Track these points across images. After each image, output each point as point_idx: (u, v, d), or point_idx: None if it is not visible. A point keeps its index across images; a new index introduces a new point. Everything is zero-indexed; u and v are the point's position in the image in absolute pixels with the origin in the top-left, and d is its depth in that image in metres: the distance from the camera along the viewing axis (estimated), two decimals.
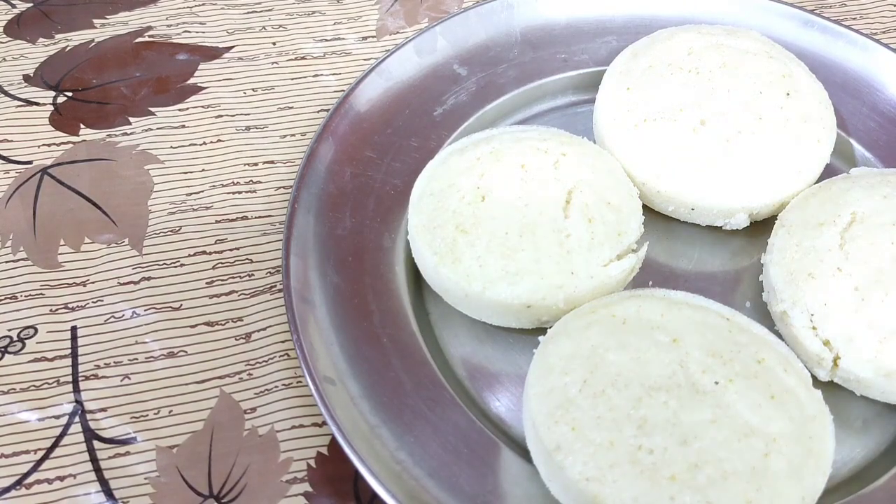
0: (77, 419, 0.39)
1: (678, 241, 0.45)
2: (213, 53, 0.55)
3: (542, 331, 0.38)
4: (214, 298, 0.43)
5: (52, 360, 0.41)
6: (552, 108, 0.51)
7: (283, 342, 0.42)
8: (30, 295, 0.43)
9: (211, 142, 0.50)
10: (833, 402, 0.36)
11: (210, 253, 0.45)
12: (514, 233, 0.40)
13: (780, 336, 0.38)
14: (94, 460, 0.38)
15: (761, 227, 0.44)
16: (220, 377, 0.41)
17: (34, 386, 0.40)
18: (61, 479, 0.38)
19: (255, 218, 0.47)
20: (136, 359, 0.41)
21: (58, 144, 0.50)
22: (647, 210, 0.44)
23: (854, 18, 0.58)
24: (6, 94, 0.52)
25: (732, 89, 0.44)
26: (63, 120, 0.51)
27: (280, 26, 0.57)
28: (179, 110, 0.52)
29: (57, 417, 0.39)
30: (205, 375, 0.41)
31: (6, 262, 0.45)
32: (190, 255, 0.45)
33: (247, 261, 0.45)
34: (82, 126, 0.51)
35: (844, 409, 0.39)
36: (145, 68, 0.54)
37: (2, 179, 0.48)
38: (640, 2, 0.54)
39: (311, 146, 0.45)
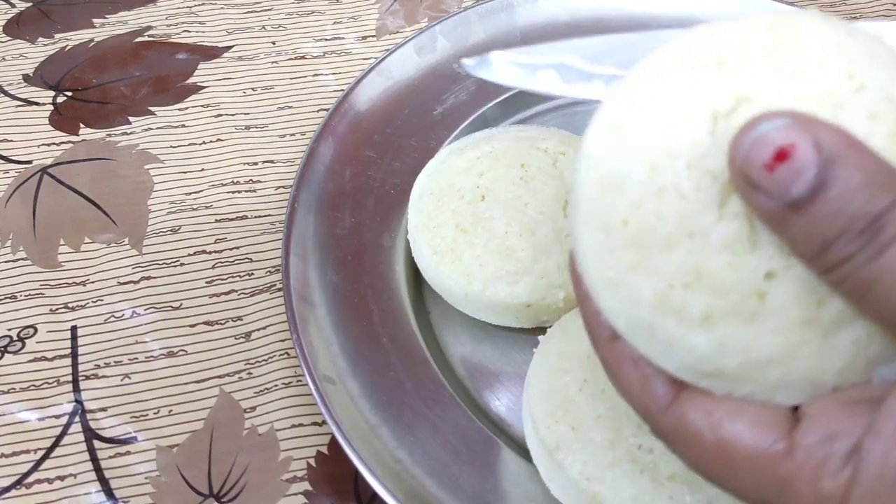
0: (77, 419, 0.39)
1: None
2: (212, 53, 0.55)
3: (542, 330, 0.38)
4: (214, 298, 0.43)
5: (51, 359, 0.41)
6: (552, 107, 0.51)
7: (282, 341, 0.42)
8: (29, 294, 0.43)
9: (210, 141, 0.50)
10: None
11: (210, 252, 0.45)
12: (513, 232, 0.40)
13: None
14: (94, 460, 0.38)
15: None
16: (219, 376, 0.41)
17: (34, 385, 0.40)
18: (62, 478, 0.38)
19: (255, 217, 0.47)
20: (136, 358, 0.41)
21: (58, 144, 0.50)
22: None
23: (854, 17, 0.58)
24: (6, 93, 0.52)
25: None
26: (63, 120, 0.51)
27: (279, 26, 0.57)
28: (179, 110, 0.52)
29: (57, 417, 0.39)
30: (204, 375, 0.41)
31: (6, 261, 0.45)
32: (190, 255, 0.45)
33: (246, 260, 0.45)
34: (82, 126, 0.51)
35: None
36: (145, 68, 0.54)
37: (2, 179, 0.48)
38: (640, 2, 0.54)
39: (310, 145, 0.45)
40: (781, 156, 0.20)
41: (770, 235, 0.21)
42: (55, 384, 0.40)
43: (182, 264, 0.45)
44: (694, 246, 0.22)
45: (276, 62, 0.54)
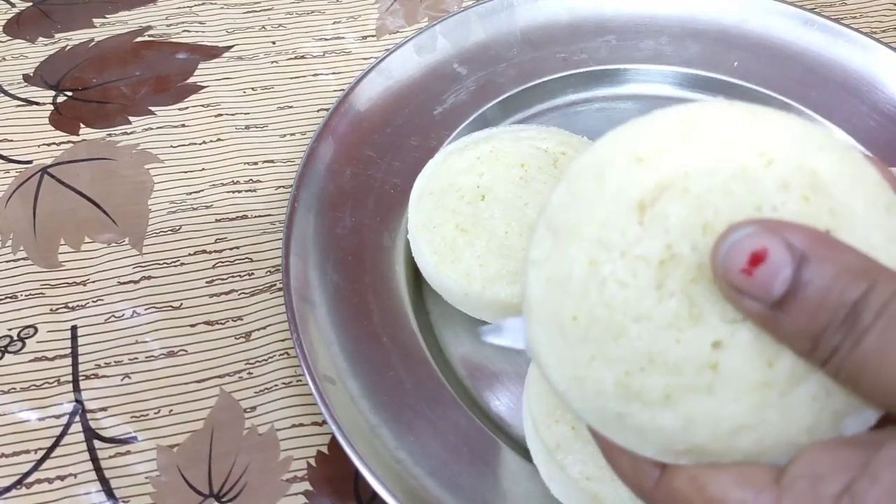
0: (77, 418, 0.39)
1: None
2: (212, 52, 0.55)
3: None
4: (214, 297, 0.43)
5: (52, 359, 0.41)
6: (552, 107, 0.51)
7: (282, 341, 0.42)
8: (30, 294, 0.43)
9: (211, 141, 0.50)
10: None
11: (210, 252, 0.45)
12: (513, 232, 0.40)
13: None
14: (94, 459, 0.38)
15: None
16: (219, 376, 0.41)
17: (34, 385, 0.40)
18: (62, 478, 0.38)
19: (255, 217, 0.47)
20: (137, 358, 0.41)
21: (58, 144, 0.50)
22: None
23: (854, 17, 0.58)
24: (6, 93, 0.52)
25: None
26: (63, 119, 0.51)
27: (279, 25, 0.57)
28: (179, 109, 0.52)
29: (57, 417, 0.39)
30: (205, 374, 0.41)
31: (6, 261, 0.45)
32: (190, 255, 0.45)
33: (247, 260, 0.45)
34: (82, 125, 0.51)
35: None
36: (145, 67, 0.54)
37: (2, 179, 0.48)
38: (640, 2, 0.54)
39: (310, 145, 0.45)
40: (757, 259, 0.21)
41: (711, 307, 0.22)
42: (55, 384, 0.40)
43: (182, 264, 0.45)
44: (641, 330, 0.23)
45: (275, 62, 0.54)
